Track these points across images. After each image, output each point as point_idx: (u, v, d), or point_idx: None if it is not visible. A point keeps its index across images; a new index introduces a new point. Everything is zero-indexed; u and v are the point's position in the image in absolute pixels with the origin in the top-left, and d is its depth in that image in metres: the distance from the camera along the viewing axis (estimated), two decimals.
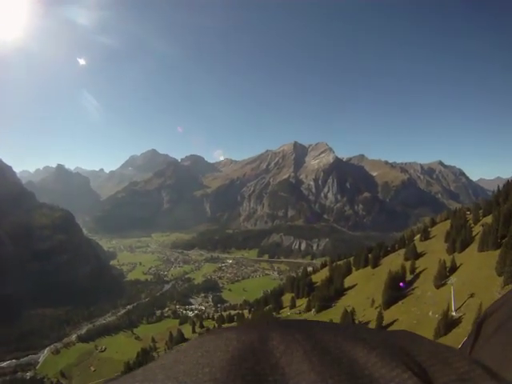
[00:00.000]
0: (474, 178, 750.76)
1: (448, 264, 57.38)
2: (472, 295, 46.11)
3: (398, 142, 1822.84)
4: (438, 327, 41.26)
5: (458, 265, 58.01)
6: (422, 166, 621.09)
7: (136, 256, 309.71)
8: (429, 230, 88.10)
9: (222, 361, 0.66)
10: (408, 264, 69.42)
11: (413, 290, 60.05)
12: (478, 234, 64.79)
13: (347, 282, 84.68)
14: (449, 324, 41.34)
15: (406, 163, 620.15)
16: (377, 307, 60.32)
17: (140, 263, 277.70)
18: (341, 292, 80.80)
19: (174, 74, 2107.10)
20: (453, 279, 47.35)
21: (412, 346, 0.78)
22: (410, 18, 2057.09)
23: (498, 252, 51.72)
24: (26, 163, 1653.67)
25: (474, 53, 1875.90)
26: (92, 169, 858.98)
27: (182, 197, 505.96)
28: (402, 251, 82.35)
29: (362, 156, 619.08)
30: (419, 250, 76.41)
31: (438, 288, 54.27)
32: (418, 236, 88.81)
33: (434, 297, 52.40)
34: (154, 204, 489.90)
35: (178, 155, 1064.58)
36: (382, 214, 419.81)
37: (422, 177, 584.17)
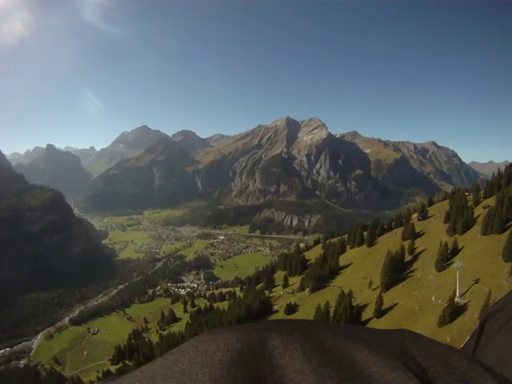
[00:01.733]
0: (466, 160, 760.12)
1: (450, 246, 55.20)
2: (477, 281, 43.97)
3: (392, 120, 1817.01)
4: (443, 314, 39.08)
5: (459, 247, 55.84)
6: (415, 146, 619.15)
7: (128, 234, 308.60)
8: (426, 209, 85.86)
9: (221, 361, 0.66)
10: (406, 244, 67.25)
11: (413, 272, 57.83)
12: (479, 216, 62.78)
13: (342, 260, 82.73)
14: (454, 311, 39.19)
15: (399, 142, 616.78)
16: (375, 289, 58.42)
17: (132, 241, 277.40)
18: (336, 271, 78.89)
19: (165, 49, 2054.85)
20: (459, 263, 44.85)
21: (412, 345, 0.77)
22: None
23: (503, 236, 49.86)
24: (16, 145, 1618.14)
25: (469, 38, 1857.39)
26: (83, 147, 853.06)
27: (174, 173, 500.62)
28: (399, 230, 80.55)
29: (355, 133, 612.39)
30: (417, 229, 74.30)
31: (439, 271, 52.19)
32: (416, 215, 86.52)
33: (436, 280, 50.31)
34: (145, 180, 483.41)
35: (170, 131, 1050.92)
36: (374, 192, 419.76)
37: (414, 156, 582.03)
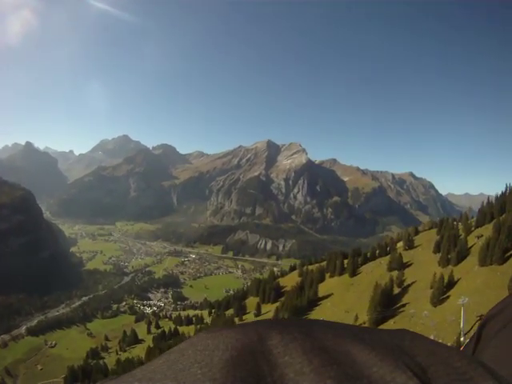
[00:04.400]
0: (443, 192, 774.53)
1: (445, 278, 49.99)
2: (481, 317, 37.56)
3: (372, 149, 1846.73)
4: None
5: (455, 279, 50.76)
6: (393, 176, 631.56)
7: (97, 244, 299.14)
8: (412, 238, 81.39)
9: (220, 361, 0.64)
10: (394, 275, 61.75)
11: (404, 306, 51.94)
12: (473, 245, 58.52)
13: (321, 290, 76.22)
14: None
15: (377, 171, 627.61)
16: (361, 324, 52.02)
17: (101, 252, 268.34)
18: (314, 302, 72.46)
19: (152, 61, 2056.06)
20: (464, 298, 39.36)
21: (412, 345, 0.76)
22: (386, 29, 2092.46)
23: (504, 267, 46.01)
24: None
25: (448, 68, 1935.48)
26: (62, 150, 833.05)
27: (150, 186, 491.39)
28: (384, 260, 75.51)
29: (334, 160, 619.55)
30: (404, 259, 69.24)
31: (435, 306, 46.71)
32: (401, 244, 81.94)
33: (433, 317, 44.67)
34: (120, 191, 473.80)
35: (150, 143, 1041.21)
36: (351, 220, 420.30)
37: (392, 186, 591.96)
